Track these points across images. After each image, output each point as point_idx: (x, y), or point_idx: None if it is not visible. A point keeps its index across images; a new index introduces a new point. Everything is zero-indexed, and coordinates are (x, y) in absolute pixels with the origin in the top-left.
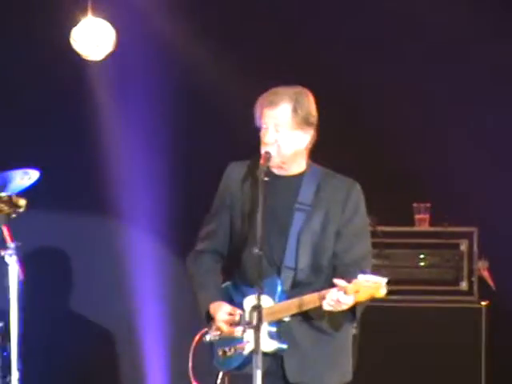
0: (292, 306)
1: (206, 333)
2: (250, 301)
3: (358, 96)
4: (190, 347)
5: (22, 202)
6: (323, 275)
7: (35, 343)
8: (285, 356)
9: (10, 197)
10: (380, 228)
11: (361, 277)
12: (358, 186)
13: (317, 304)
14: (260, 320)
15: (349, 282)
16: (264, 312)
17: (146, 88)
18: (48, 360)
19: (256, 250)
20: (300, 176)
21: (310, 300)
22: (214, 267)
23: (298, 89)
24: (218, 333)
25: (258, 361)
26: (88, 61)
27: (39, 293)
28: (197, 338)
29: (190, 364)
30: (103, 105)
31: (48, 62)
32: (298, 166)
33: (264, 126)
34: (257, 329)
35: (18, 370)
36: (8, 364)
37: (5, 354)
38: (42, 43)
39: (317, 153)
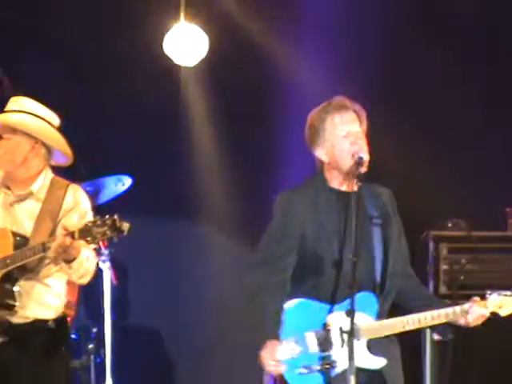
0: (411, 321)
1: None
2: (334, 317)
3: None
4: None
5: (126, 226)
6: (396, 287)
7: (128, 349)
8: (385, 371)
9: (114, 220)
10: (474, 233)
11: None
12: None
13: (446, 318)
14: (353, 326)
15: None
16: (364, 329)
17: (238, 92)
18: (140, 368)
19: (351, 257)
20: (357, 191)
21: (437, 314)
22: (282, 301)
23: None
24: (297, 350)
25: (352, 368)
26: (180, 66)
27: (131, 298)
28: None
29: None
30: (196, 112)
31: (141, 68)
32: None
33: (349, 132)
34: (350, 337)
35: (112, 377)
36: (103, 370)
37: (98, 360)
38: (136, 49)
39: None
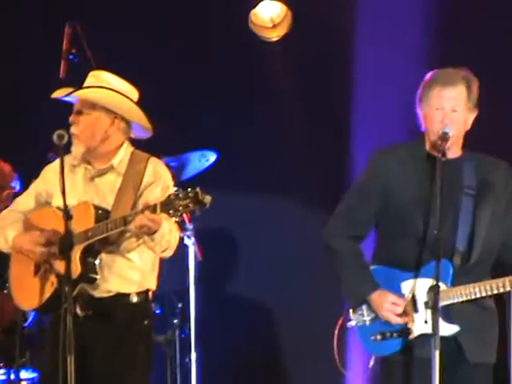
0: (478, 289)
1: (349, 317)
2: (408, 284)
3: None
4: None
5: (208, 199)
6: (490, 258)
7: (213, 324)
8: (461, 337)
9: (196, 192)
10: None
11: None
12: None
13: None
14: (437, 301)
15: None
16: (442, 293)
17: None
18: (225, 342)
19: (435, 231)
20: (459, 160)
21: (502, 283)
22: (362, 253)
23: (467, 72)
24: (368, 318)
25: (437, 342)
26: (265, 41)
27: (216, 274)
28: (340, 322)
29: (335, 349)
30: (280, 86)
31: (227, 43)
32: (457, 149)
33: (438, 106)
34: (435, 310)
35: (196, 351)
36: (187, 345)
37: (183, 335)
38: (222, 24)
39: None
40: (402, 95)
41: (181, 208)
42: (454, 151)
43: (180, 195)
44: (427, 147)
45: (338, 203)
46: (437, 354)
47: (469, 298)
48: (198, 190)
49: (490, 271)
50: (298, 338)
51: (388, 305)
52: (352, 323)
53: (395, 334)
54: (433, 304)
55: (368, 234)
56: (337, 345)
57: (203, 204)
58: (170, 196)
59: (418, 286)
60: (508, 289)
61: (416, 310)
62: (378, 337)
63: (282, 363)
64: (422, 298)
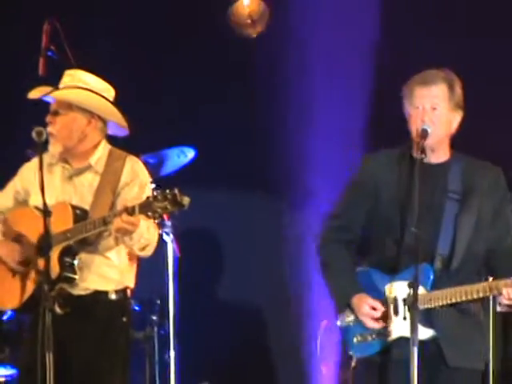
0: (454, 294)
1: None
2: (390, 288)
3: None
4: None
5: (186, 200)
6: (474, 264)
7: (191, 321)
8: (442, 342)
9: (174, 194)
10: None
11: None
12: (502, 173)
13: (490, 293)
14: (416, 299)
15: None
16: (422, 296)
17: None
18: (203, 339)
19: (413, 229)
20: (446, 164)
21: (483, 288)
22: (351, 257)
23: (449, 72)
24: (351, 319)
25: (415, 341)
26: (243, 37)
27: (195, 271)
28: (324, 323)
29: (318, 348)
30: (259, 80)
31: (205, 39)
32: (444, 152)
33: (419, 106)
34: (414, 308)
35: (175, 348)
36: (166, 342)
37: (162, 332)
38: (203, 22)
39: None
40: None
41: (159, 210)
42: (439, 155)
43: (158, 197)
44: (413, 151)
45: (315, 200)
46: (415, 351)
47: (446, 302)
48: (176, 191)
49: (475, 277)
50: (278, 335)
51: (366, 309)
52: (338, 323)
53: (375, 336)
54: (410, 304)
55: (358, 237)
56: (321, 346)
57: (181, 205)
58: (148, 198)
59: (399, 289)
60: (485, 294)
61: (396, 313)
62: (359, 338)
63: (262, 359)
64: (401, 301)
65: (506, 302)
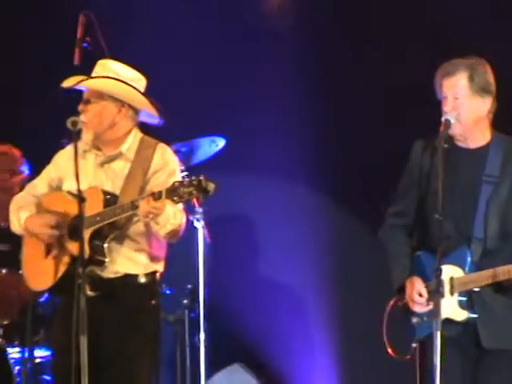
0: (486, 276)
1: (398, 301)
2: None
3: None
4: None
5: (212, 186)
6: (509, 248)
7: (222, 308)
8: (479, 324)
9: (199, 181)
10: None
11: None
12: None
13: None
14: (439, 283)
15: None
16: (456, 282)
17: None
18: (232, 322)
19: (436, 216)
20: (486, 147)
21: (507, 270)
22: (406, 241)
23: (474, 59)
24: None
25: (439, 323)
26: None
27: (225, 256)
28: (390, 304)
29: (385, 330)
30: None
31: (235, 25)
32: (483, 136)
33: (443, 95)
34: (437, 290)
35: (205, 331)
36: (196, 325)
37: (192, 315)
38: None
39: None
40: None
41: (185, 195)
42: (476, 140)
43: (184, 183)
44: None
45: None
46: (438, 335)
47: (483, 284)
48: (201, 177)
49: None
50: (301, 318)
51: (414, 295)
52: (400, 304)
53: (426, 319)
54: (435, 288)
55: (414, 221)
56: (387, 326)
57: (207, 191)
58: (174, 183)
59: (444, 272)
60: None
61: (442, 296)
62: (415, 320)
63: (287, 339)
64: (446, 284)
65: None
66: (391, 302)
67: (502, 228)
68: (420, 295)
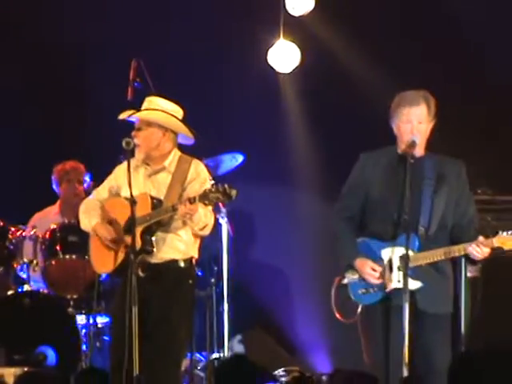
0: (440, 253)
1: (343, 278)
2: (386, 251)
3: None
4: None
5: (234, 192)
6: (445, 233)
7: (242, 286)
8: (419, 292)
9: (224, 188)
10: (498, 197)
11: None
12: (464, 165)
13: (462, 253)
14: (407, 264)
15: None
16: (410, 258)
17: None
18: (249, 296)
19: (405, 217)
20: (422, 158)
21: (457, 249)
22: (352, 230)
23: (426, 92)
24: (356, 277)
25: (407, 296)
26: (280, 73)
27: (244, 246)
28: (336, 280)
29: (333, 301)
30: (290, 104)
31: (250, 71)
32: (421, 150)
33: (408, 121)
34: (405, 270)
35: (228, 302)
36: (221, 298)
37: (218, 291)
38: (247, 58)
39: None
40: None
41: (213, 200)
42: (418, 152)
43: (213, 189)
44: (399, 150)
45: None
46: (407, 305)
47: (431, 260)
48: (226, 186)
49: (446, 244)
50: (306, 292)
51: (368, 269)
52: (345, 281)
53: (376, 289)
54: (403, 269)
55: (357, 215)
56: (335, 297)
57: (230, 196)
58: (205, 190)
59: (393, 253)
60: (460, 254)
61: (391, 271)
62: (363, 291)
63: (292, 310)
64: (396, 262)
65: (478, 255)
66: (337, 279)
67: (441, 221)
68: (373, 270)
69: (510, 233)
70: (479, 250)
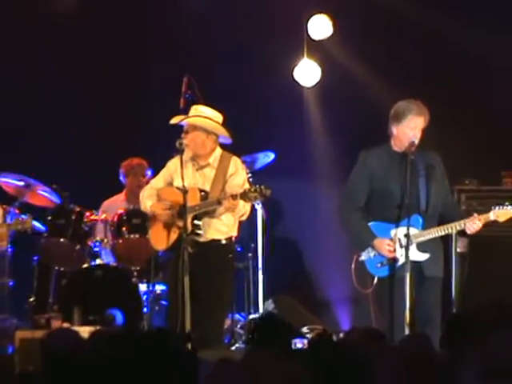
0: (439, 230)
1: (359, 256)
2: (395, 231)
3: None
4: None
5: (268, 192)
6: (438, 210)
7: (274, 259)
8: (424, 261)
9: (261, 188)
10: (483, 187)
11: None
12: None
13: (462, 227)
14: (409, 241)
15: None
16: (416, 235)
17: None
18: (280, 268)
19: (407, 201)
20: (414, 153)
21: (453, 226)
22: (364, 218)
23: (422, 103)
24: (372, 254)
25: (407, 267)
26: (303, 86)
27: (275, 227)
28: (354, 258)
29: (354, 274)
30: (312, 111)
31: (280, 85)
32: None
33: (412, 128)
34: (407, 247)
35: (262, 272)
36: (256, 268)
37: (254, 264)
38: (278, 75)
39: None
40: None
41: (252, 198)
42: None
43: (252, 189)
44: (396, 148)
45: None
46: (408, 276)
47: (434, 235)
48: (262, 187)
49: (437, 222)
50: (328, 267)
51: (386, 246)
52: (363, 257)
53: (389, 262)
54: (405, 245)
55: (363, 204)
56: (355, 272)
57: (265, 196)
58: (245, 190)
59: (400, 232)
60: (460, 229)
61: (401, 247)
62: (379, 265)
63: (317, 279)
64: (403, 239)
65: (472, 229)
66: (355, 257)
67: (434, 203)
68: (390, 246)
69: (502, 207)
70: (475, 225)
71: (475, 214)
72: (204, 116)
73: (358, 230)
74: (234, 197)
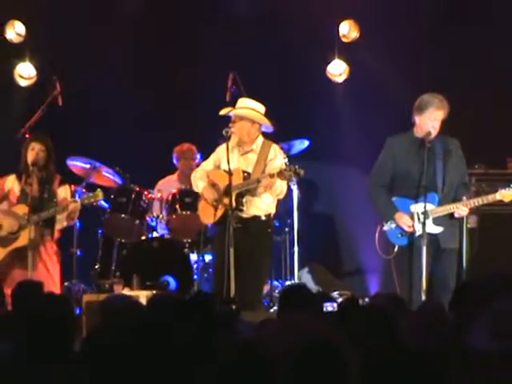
0: (452, 207)
1: (383, 226)
2: (414, 207)
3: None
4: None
5: (301, 171)
6: (453, 190)
7: (308, 233)
8: (439, 234)
9: (295, 168)
10: (490, 171)
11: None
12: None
13: (470, 206)
14: (427, 215)
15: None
16: (432, 210)
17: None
18: (313, 241)
19: (424, 182)
20: (434, 139)
21: (466, 203)
22: (388, 194)
23: (445, 98)
24: (394, 226)
25: (424, 240)
26: (335, 82)
27: (309, 205)
28: (378, 228)
29: (377, 241)
30: (342, 103)
31: (315, 80)
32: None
33: (432, 119)
34: (424, 223)
35: (298, 245)
36: (292, 241)
37: (290, 237)
38: (313, 72)
39: None
40: None
41: (288, 176)
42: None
43: (287, 169)
44: (418, 135)
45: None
46: (424, 248)
47: (448, 211)
48: (296, 166)
49: (452, 197)
50: (357, 239)
51: (404, 220)
52: (386, 228)
53: (408, 233)
54: (423, 221)
55: (388, 183)
56: (378, 240)
57: (299, 174)
58: (281, 169)
59: (418, 208)
60: (471, 206)
61: (419, 220)
62: (399, 235)
63: (348, 251)
64: (420, 215)
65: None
66: (379, 227)
67: (450, 183)
68: (407, 220)
69: (507, 189)
70: (461, 210)
71: (464, 198)
72: (249, 108)
73: (382, 204)
74: (271, 175)
